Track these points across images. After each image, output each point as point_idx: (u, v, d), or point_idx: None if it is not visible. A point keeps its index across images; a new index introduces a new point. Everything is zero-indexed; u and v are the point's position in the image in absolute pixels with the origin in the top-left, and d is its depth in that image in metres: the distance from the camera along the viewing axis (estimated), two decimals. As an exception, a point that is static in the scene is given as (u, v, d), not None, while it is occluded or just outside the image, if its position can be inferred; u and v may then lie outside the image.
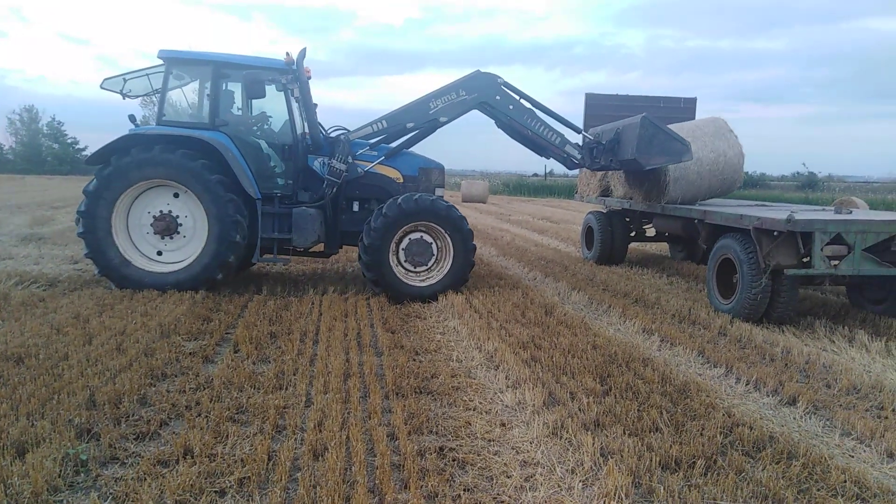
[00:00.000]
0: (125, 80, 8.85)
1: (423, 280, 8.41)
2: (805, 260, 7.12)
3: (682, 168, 9.47)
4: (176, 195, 8.17)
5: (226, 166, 8.08)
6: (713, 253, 8.31)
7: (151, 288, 7.95)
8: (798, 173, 57.09)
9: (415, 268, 8.38)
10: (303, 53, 8.58)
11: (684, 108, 14.56)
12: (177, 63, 8.44)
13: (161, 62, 8.40)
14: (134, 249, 8.15)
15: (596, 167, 9.79)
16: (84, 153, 65.25)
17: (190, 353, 5.66)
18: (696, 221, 9.04)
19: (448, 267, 8.38)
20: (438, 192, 9.09)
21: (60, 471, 3.48)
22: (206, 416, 4.28)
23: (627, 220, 12.17)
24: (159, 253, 8.25)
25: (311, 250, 9.10)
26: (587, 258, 12.69)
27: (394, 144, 9.12)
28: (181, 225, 8.21)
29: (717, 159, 9.66)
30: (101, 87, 8.85)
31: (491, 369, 5.56)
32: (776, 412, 4.83)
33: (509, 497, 3.45)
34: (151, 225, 8.14)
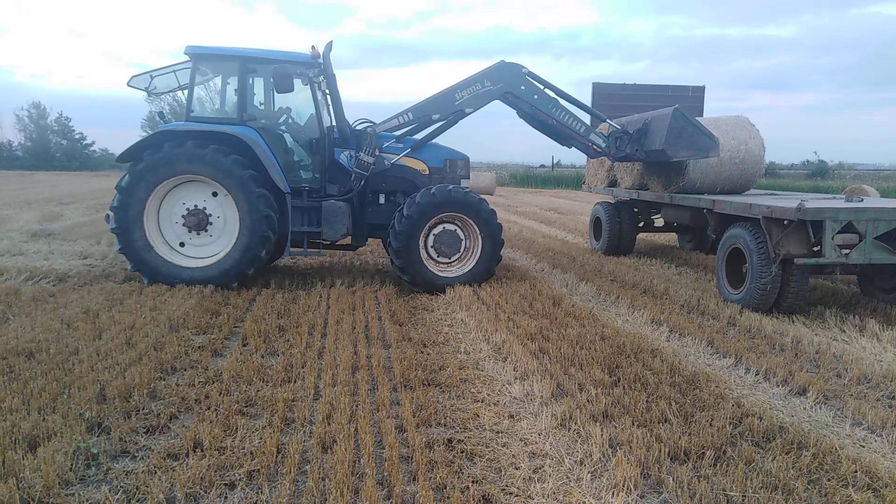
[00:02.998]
0: (152, 77, 8.94)
1: (448, 271, 8.44)
2: (816, 249, 7.06)
3: None
4: (214, 194, 8.21)
5: (255, 161, 8.11)
6: (722, 243, 8.26)
7: (182, 282, 7.98)
8: (808, 161, 56.62)
9: (442, 258, 8.42)
10: (329, 47, 8.59)
11: (693, 96, 14.46)
12: (204, 59, 8.50)
13: (187, 58, 8.44)
14: (164, 244, 8.19)
15: (619, 156, 9.71)
16: (92, 149, 65.57)
17: (199, 347, 5.69)
18: (705, 211, 8.98)
19: (475, 260, 8.45)
20: (464, 183, 9.11)
21: (72, 464, 3.51)
22: (216, 410, 4.30)
23: (636, 210, 12.12)
24: (182, 244, 8.27)
25: (338, 243, 9.13)
26: (595, 249, 12.65)
27: (419, 136, 9.12)
28: (211, 224, 8.25)
29: (737, 147, 9.57)
30: (129, 85, 8.97)
31: (499, 361, 5.56)
32: (786, 402, 4.80)
33: (518, 489, 3.45)
34: (183, 216, 8.18)
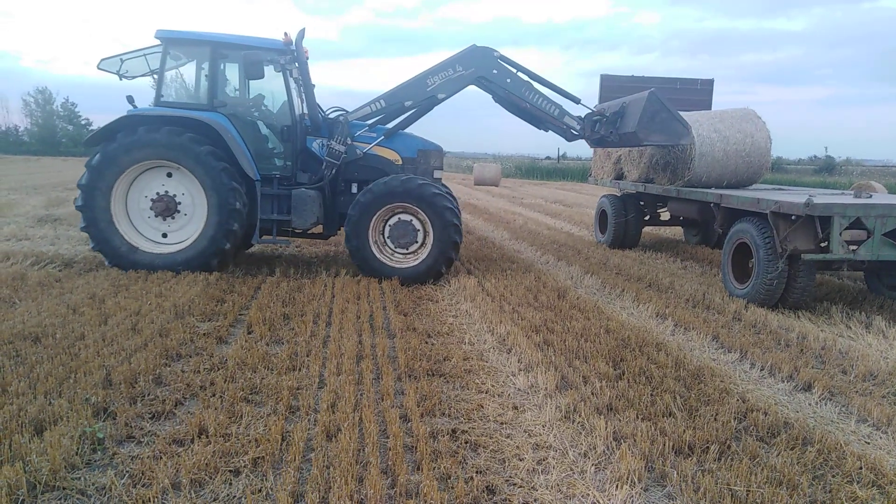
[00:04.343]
0: (122, 61, 8.77)
1: (399, 262, 8.33)
2: (823, 245, 7.03)
3: (707, 144, 9.35)
4: (169, 174, 8.14)
5: (225, 147, 8.06)
6: (729, 237, 8.23)
7: (143, 268, 7.96)
8: (816, 157, 56.33)
9: (399, 248, 8.33)
10: (301, 34, 8.48)
11: (701, 89, 14.34)
12: (174, 43, 8.36)
13: (158, 42, 8.32)
14: (131, 229, 8.15)
15: (595, 138, 9.62)
16: (98, 135, 65.63)
17: (204, 334, 5.70)
18: (712, 205, 8.94)
19: (425, 254, 8.28)
20: (437, 174, 9.02)
21: (78, 448, 3.53)
22: (221, 397, 4.31)
23: (642, 203, 12.08)
24: (164, 235, 8.26)
25: (310, 232, 9.10)
26: (600, 242, 12.62)
27: (392, 124, 9.04)
28: (180, 203, 8.20)
29: (743, 139, 9.51)
30: (98, 68, 8.78)
31: (503, 352, 5.56)
32: (791, 398, 4.79)
33: (521, 480, 3.46)
34: (151, 208, 8.14)
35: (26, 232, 11.40)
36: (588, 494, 3.33)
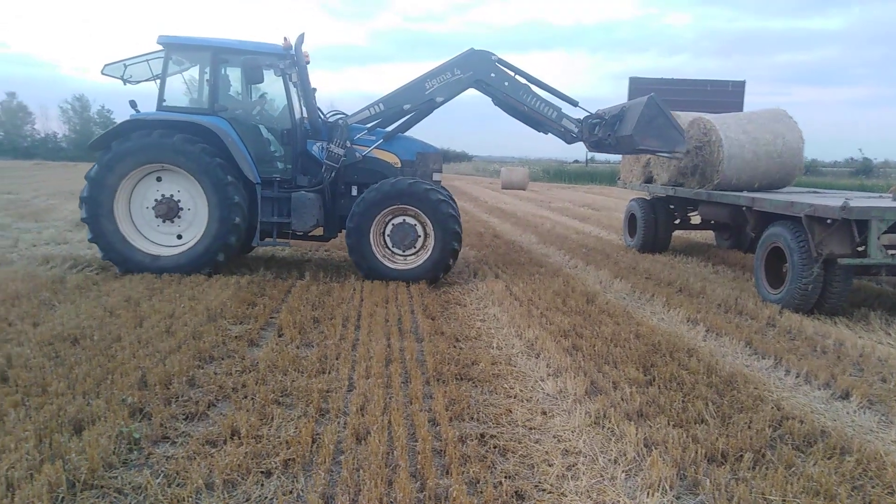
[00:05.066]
0: (125, 66, 8.88)
1: (401, 264, 8.37)
2: (860, 249, 6.86)
3: (736, 145, 9.21)
4: (159, 178, 8.26)
5: (225, 151, 8.17)
6: (762, 241, 8.08)
7: (153, 271, 8.07)
8: (852, 159, 54.98)
9: (398, 250, 8.38)
10: (301, 38, 8.59)
11: (732, 91, 14.13)
12: (176, 49, 8.50)
13: (161, 48, 8.47)
14: (136, 233, 8.30)
15: (593, 141, 9.57)
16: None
17: (236, 337, 5.79)
18: (744, 209, 8.80)
19: (426, 256, 8.33)
20: (436, 177, 9.05)
21: (115, 448, 3.61)
22: (252, 399, 4.37)
23: (672, 207, 11.93)
24: (179, 237, 8.39)
25: (310, 234, 9.18)
26: (630, 246, 12.49)
27: (390, 128, 9.08)
28: (180, 215, 8.33)
29: (774, 140, 9.33)
30: (102, 73, 8.90)
31: (532, 357, 5.54)
32: (828, 406, 4.68)
33: (551, 486, 3.44)
34: (155, 201, 8.27)
35: (65, 236, 11.72)
36: (619, 501, 3.30)
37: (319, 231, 9.15)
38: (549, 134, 9.44)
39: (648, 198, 12.32)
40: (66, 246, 10.68)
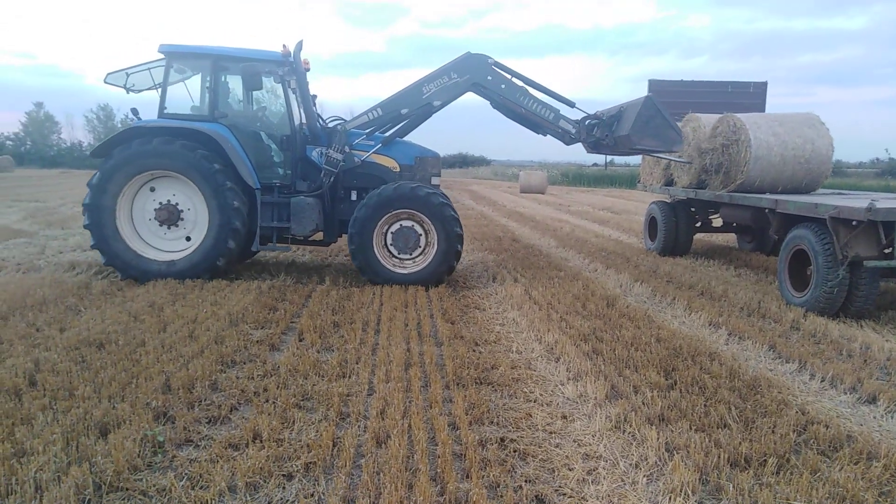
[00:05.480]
0: (128, 75, 8.99)
1: (404, 268, 8.42)
2: (887, 251, 6.74)
3: (764, 147, 9.12)
4: (152, 189, 8.37)
5: (225, 157, 8.27)
6: (785, 244, 7.97)
7: (154, 277, 8.18)
8: (878, 160, 53.97)
9: (401, 254, 8.43)
10: (299, 46, 8.68)
11: (754, 92, 14.01)
12: (177, 57, 8.62)
13: (162, 56, 8.58)
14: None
15: (591, 141, 9.54)
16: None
17: (257, 342, 5.85)
18: (767, 211, 8.68)
19: (430, 259, 8.37)
20: (434, 180, 9.08)
21: (140, 451, 3.67)
22: (274, 403, 4.42)
23: (693, 209, 11.82)
24: (188, 239, 8.50)
25: (310, 239, 9.24)
26: (650, 249, 12.39)
27: (388, 133, 9.10)
28: (182, 219, 8.44)
29: (803, 145, 9.20)
30: (105, 82, 9.02)
31: (551, 361, 5.52)
32: (854, 410, 4.60)
33: (571, 490, 3.42)
34: (155, 210, 8.38)
35: (90, 243, 11.90)
36: (640, 506, 3.27)
37: (320, 236, 9.23)
38: (548, 135, 9.46)
39: (669, 200, 12.22)
40: (92, 252, 10.85)
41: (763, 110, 12.94)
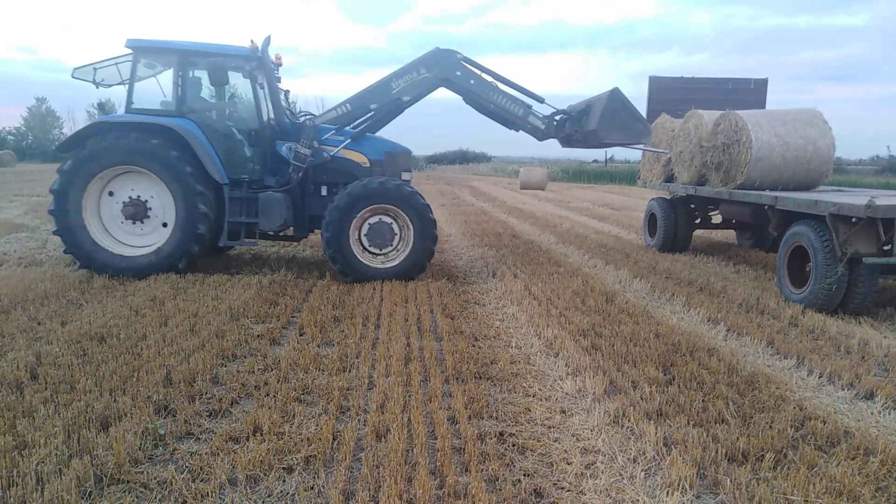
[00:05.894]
0: (95, 70, 8.91)
1: (380, 263, 8.41)
2: (886, 248, 6.75)
3: (766, 149, 9.11)
4: (111, 193, 8.32)
5: (192, 152, 8.23)
6: (784, 240, 7.98)
7: (118, 272, 8.14)
8: (878, 157, 53.95)
9: (375, 249, 8.42)
10: (267, 41, 8.67)
11: (755, 89, 13.99)
12: (144, 52, 8.56)
13: (129, 51, 8.53)
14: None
15: (561, 136, 9.55)
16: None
17: (258, 336, 5.87)
18: (766, 208, 8.69)
19: (406, 253, 8.39)
20: (405, 175, 9.06)
21: (140, 444, 3.69)
22: (274, 396, 4.44)
23: (692, 206, 11.83)
24: (165, 225, 8.44)
25: (281, 234, 9.23)
26: (649, 245, 12.41)
27: (358, 129, 9.05)
28: (148, 217, 8.40)
29: (804, 146, 9.19)
30: (73, 77, 8.92)
31: (550, 356, 5.54)
32: (852, 406, 4.62)
33: (569, 484, 3.45)
34: (123, 204, 8.34)
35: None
36: (638, 500, 3.30)
37: (290, 231, 9.23)
38: (520, 131, 9.46)
39: (669, 197, 12.23)
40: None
41: (763, 107, 12.92)
